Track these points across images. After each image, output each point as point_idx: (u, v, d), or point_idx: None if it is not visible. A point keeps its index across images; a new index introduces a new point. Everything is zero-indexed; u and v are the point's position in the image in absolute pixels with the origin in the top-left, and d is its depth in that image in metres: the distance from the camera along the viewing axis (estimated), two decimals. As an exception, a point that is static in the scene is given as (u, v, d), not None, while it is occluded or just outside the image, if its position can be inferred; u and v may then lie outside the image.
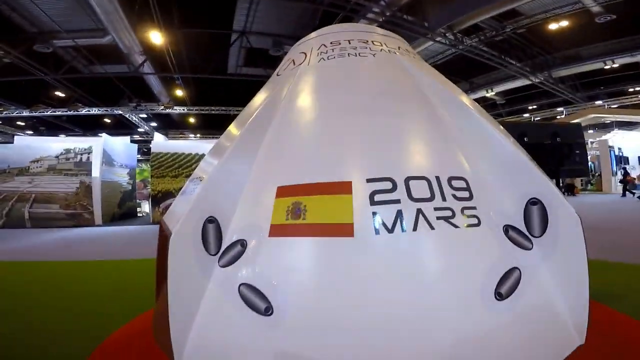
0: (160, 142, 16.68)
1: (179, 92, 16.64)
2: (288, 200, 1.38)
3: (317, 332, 1.25)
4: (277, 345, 1.25)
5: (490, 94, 17.98)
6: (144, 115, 18.70)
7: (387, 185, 1.37)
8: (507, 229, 1.54)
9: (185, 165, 16.67)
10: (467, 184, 1.54)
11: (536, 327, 1.39)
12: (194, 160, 16.94)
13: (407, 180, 1.40)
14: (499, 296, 1.33)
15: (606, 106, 19.63)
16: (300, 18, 11.30)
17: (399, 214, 1.32)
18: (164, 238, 2.02)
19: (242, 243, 1.43)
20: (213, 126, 22.20)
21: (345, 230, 1.27)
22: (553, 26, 11.57)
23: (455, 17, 10.31)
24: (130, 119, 17.90)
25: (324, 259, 1.32)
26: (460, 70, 15.28)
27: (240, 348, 1.33)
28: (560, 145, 6.17)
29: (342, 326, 1.24)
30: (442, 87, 1.95)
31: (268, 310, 1.27)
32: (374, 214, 1.31)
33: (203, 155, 16.82)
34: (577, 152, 6.67)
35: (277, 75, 2.20)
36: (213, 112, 17.81)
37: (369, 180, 1.37)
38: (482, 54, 12.73)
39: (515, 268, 1.43)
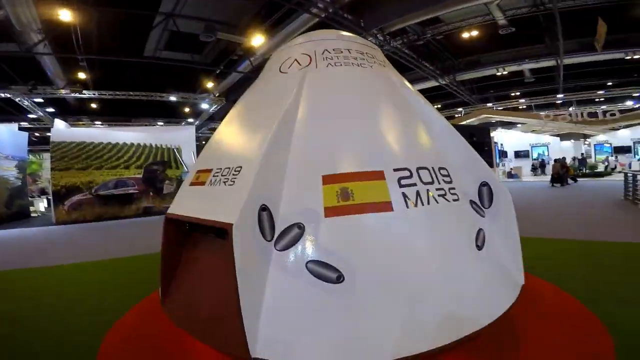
0: (62, 130, 14.52)
1: (82, 75, 14.65)
2: (335, 187, 1.69)
3: (382, 288, 1.60)
4: (355, 304, 1.56)
5: (405, 93, 20.01)
6: (40, 100, 15.95)
7: (407, 173, 1.83)
8: (471, 202, 2.15)
9: (94, 156, 14.83)
10: (448, 172, 2.09)
11: (498, 268, 2.01)
12: (105, 150, 15.22)
13: (418, 169, 1.88)
14: (478, 247, 1.92)
15: (494, 108, 23.64)
16: (239, 5, 11.05)
17: (417, 193, 1.79)
18: (171, 231, 2.14)
19: (300, 226, 1.66)
20: (119, 112, 19.97)
21: (386, 206, 1.69)
22: (465, 35, 13.57)
23: (388, 20, 11.23)
24: (20, 103, 15.09)
25: (376, 229, 1.68)
26: (383, 70, 16.76)
27: (318, 318, 1.55)
28: (477, 143, 7.81)
29: (398, 275, 1.64)
30: (419, 98, 2.50)
31: (340, 278, 1.57)
32: (403, 194, 1.75)
33: (117, 144, 15.27)
34: (487, 148, 8.54)
35: (281, 72, 2.41)
36: (130, 97, 16.19)
37: (395, 170, 1.81)
38: (404, 55, 14.08)
39: (480, 229, 2.03)
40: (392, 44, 13.02)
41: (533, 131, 23.96)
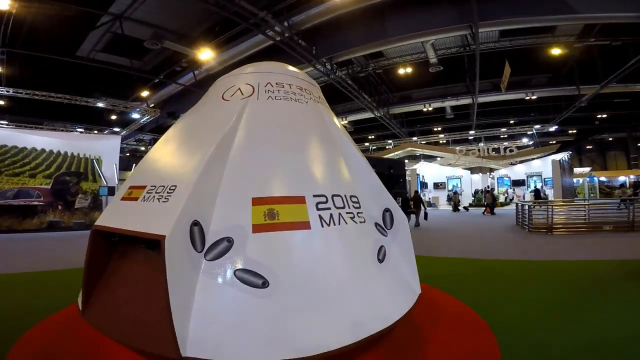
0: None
1: (-5, 69, 12.89)
2: (264, 207, 1.97)
3: (301, 292, 1.88)
4: (277, 306, 1.81)
5: (344, 122, 21.31)
6: None
7: (323, 199, 2.20)
8: (376, 224, 2.59)
9: (-7, 160, 12.96)
10: (358, 199, 2.51)
11: (398, 278, 2.44)
12: (8, 154, 13.40)
13: (333, 196, 2.27)
14: (379, 260, 2.33)
15: (419, 142, 26.22)
16: (195, 17, 10.91)
17: (331, 215, 2.16)
18: (97, 243, 2.21)
19: (229, 239, 1.90)
20: (30, 113, 17.75)
21: (305, 225, 2.02)
22: (401, 71, 15.09)
23: (338, 50, 12.08)
24: None
25: (296, 244, 2.00)
26: (327, 98, 17.73)
27: (245, 318, 1.76)
28: (393, 174, 8.86)
29: (314, 281, 1.95)
30: (342, 134, 2.93)
31: (265, 284, 1.82)
32: (320, 216, 2.10)
33: (24, 149, 13.49)
34: (401, 180, 9.79)
35: (224, 99, 2.66)
36: (49, 98, 14.55)
37: (314, 196, 2.17)
38: (346, 85, 15.16)
39: (382, 245, 2.46)
40: (337, 74, 13.93)
41: (449, 164, 26.94)
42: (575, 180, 24.67)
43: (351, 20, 11.05)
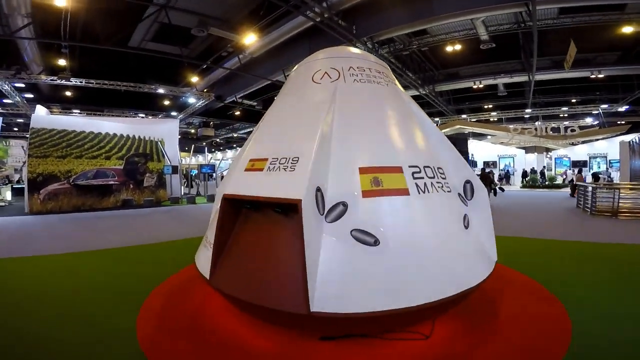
0: (42, 117, 14.23)
1: (62, 62, 14.34)
2: (369, 176, 2.30)
3: (405, 249, 2.19)
4: (387, 261, 2.12)
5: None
6: (22, 85, 15.47)
7: (417, 169, 2.48)
8: (459, 194, 2.85)
9: (75, 144, 14.61)
10: (443, 171, 2.78)
11: (479, 245, 2.70)
12: (87, 139, 15.01)
13: (424, 167, 2.54)
14: (465, 227, 2.61)
15: (468, 119, 25.12)
16: (237, 2, 11.31)
17: (425, 184, 2.45)
18: (227, 210, 2.58)
19: (344, 203, 2.23)
20: (94, 102, 19.65)
21: (405, 192, 2.33)
22: (449, 48, 14.53)
23: (379, 29, 11.89)
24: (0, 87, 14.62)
25: (399, 207, 2.30)
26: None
27: (360, 274, 2.07)
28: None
29: (415, 240, 2.26)
30: (422, 112, 3.18)
31: (376, 242, 2.14)
32: (416, 184, 2.40)
33: (100, 134, 15.08)
34: (464, 157, 9.76)
35: (314, 81, 2.99)
36: (115, 87, 16.06)
37: (409, 166, 2.46)
38: (390, 64, 14.87)
39: (466, 214, 2.73)
40: (379, 52, 13.77)
41: (501, 143, 25.64)
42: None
43: None
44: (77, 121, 15.81)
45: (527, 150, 25.94)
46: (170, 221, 9.82)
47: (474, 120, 25.32)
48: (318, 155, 2.31)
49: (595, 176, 18.34)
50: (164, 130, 17.19)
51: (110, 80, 15.73)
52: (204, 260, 2.80)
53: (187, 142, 35.70)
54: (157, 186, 16.47)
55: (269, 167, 2.45)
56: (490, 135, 26.05)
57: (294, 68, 3.58)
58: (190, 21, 12.01)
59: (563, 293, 3.35)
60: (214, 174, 19.03)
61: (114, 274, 4.39)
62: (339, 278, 2.08)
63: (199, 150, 40.85)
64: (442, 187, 2.58)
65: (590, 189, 10.11)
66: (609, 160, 21.48)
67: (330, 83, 2.92)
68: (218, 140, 42.83)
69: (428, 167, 2.58)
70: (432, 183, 2.50)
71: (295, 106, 2.93)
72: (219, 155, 55.04)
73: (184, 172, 18.32)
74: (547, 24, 11.87)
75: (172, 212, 12.02)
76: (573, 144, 24.00)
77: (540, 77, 16.84)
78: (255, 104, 22.68)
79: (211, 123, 26.57)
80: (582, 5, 10.23)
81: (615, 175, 19.34)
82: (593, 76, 16.30)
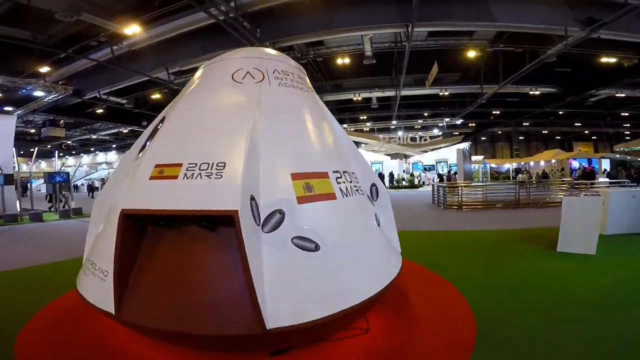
0: None
1: None
2: (302, 181, 2.28)
3: (339, 250, 2.23)
4: (329, 265, 2.13)
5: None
6: None
7: (339, 174, 2.61)
8: (367, 197, 3.14)
9: None
10: (356, 175, 3.02)
11: (389, 240, 3.03)
12: None
13: (343, 172, 2.70)
14: (378, 225, 2.88)
15: (348, 129, 27.70)
16: None
17: (346, 188, 2.59)
18: (129, 226, 2.13)
19: (280, 211, 2.13)
20: None
21: (332, 196, 2.41)
22: (339, 61, 15.65)
23: (283, 36, 11.88)
24: None
25: (329, 211, 2.35)
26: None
27: (306, 281, 2.01)
28: None
29: (346, 240, 2.35)
30: (333, 119, 3.37)
31: (317, 247, 2.12)
32: (340, 188, 2.52)
33: None
34: None
35: (235, 80, 2.82)
36: None
37: (333, 172, 2.56)
38: None
39: (376, 213, 3.02)
40: (279, 59, 13.87)
41: (373, 150, 29.28)
42: (473, 166, 29.15)
43: (300, 7, 11.21)
44: None
45: (392, 156, 30.35)
46: (14, 244, 7.60)
47: (352, 129, 28.18)
48: (248, 161, 2.17)
49: (441, 177, 22.89)
50: (-10, 128, 13.22)
51: None
52: (95, 291, 2.28)
53: (24, 144, 28.36)
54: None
55: (185, 175, 2.15)
56: (364, 143, 29.41)
57: (203, 65, 3.31)
58: (58, 4, 9.65)
59: (448, 276, 4.09)
60: (71, 185, 15.57)
61: None
62: (287, 289, 2.00)
63: (43, 155, 32.96)
64: (358, 190, 2.80)
65: (441, 189, 12.54)
66: (449, 164, 27.03)
67: (254, 84, 2.81)
68: (69, 142, 35.39)
69: (346, 172, 2.76)
70: (350, 187, 2.67)
71: (212, 104, 2.68)
72: (70, 160, 45.64)
73: (61, 180, 14.11)
74: (416, 44, 14.14)
75: (12, 233, 9.32)
76: (425, 152, 29.31)
77: (405, 92, 20.01)
78: (125, 101, 19.72)
79: (61, 122, 21.77)
80: (445, 30, 12.63)
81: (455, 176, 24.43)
82: (441, 93, 20.29)
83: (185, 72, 15.37)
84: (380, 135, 28.03)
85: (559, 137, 39.82)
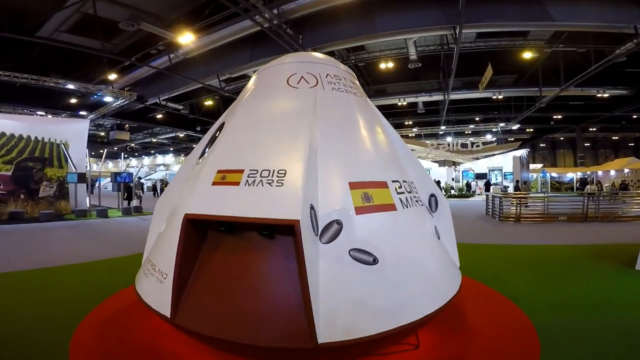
0: None
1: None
2: (360, 191, 2.19)
3: (400, 264, 2.11)
4: (387, 278, 2.02)
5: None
6: None
7: (398, 184, 2.47)
8: (425, 207, 2.95)
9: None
10: (415, 185, 2.85)
11: (449, 254, 2.82)
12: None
13: (403, 181, 2.55)
14: (438, 237, 2.69)
15: (393, 134, 27.11)
16: (178, 1, 10.50)
17: (406, 198, 2.45)
18: (192, 230, 2.15)
19: (338, 222, 2.05)
20: None
21: (392, 207, 2.28)
22: (382, 65, 15.48)
23: (325, 42, 12.12)
24: None
25: (389, 223, 2.23)
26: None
27: (364, 296, 1.92)
28: None
29: (408, 253, 2.22)
30: (389, 125, 3.24)
31: (375, 261, 2.02)
32: (400, 199, 2.38)
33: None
34: None
35: (290, 85, 2.80)
36: (15, 79, 13.32)
37: (392, 181, 2.43)
38: None
39: (435, 225, 2.82)
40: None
41: (419, 157, 28.32)
42: (531, 175, 27.03)
43: (341, 12, 11.24)
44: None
45: (440, 163, 29.11)
46: (81, 238, 8.37)
47: (396, 136, 27.51)
48: (308, 169, 2.11)
49: (487, 185, 21.43)
50: (69, 132, 14.76)
51: (6, 71, 12.96)
52: (153, 293, 2.34)
53: (94, 146, 31.47)
54: (56, 197, 14.05)
55: (247, 181, 2.14)
56: (411, 149, 28.66)
57: (257, 72, 3.35)
58: (121, 14, 10.69)
59: (507, 293, 3.73)
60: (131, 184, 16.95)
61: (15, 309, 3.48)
62: (342, 303, 1.91)
63: (110, 156, 36.31)
64: (417, 201, 2.63)
65: (497, 199, 11.68)
66: (504, 172, 25.27)
67: (309, 89, 2.76)
68: (133, 145, 38.67)
69: (405, 181, 2.61)
70: (410, 197, 2.52)
71: (270, 110, 2.67)
72: (134, 162, 49.75)
73: (125, 180, 15.71)
74: (465, 46, 13.53)
75: (80, 228, 10.29)
76: (477, 158, 27.69)
77: (454, 96, 19.11)
78: (181, 107, 21.09)
79: (127, 126, 23.82)
80: (496, 31, 11.93)
81: (510, 186, 22.81)
82: (495, 97, 19.08)
83: (235, 80, 16.09)
84: (428, 142, 26.98)
85: (632, 144, 35.59)
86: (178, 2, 10.71)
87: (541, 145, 38.22)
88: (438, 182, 24.56)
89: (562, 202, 12.43)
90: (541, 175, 27.57)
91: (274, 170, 2.12)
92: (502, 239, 7.65)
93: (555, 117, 25.66)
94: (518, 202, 10.90)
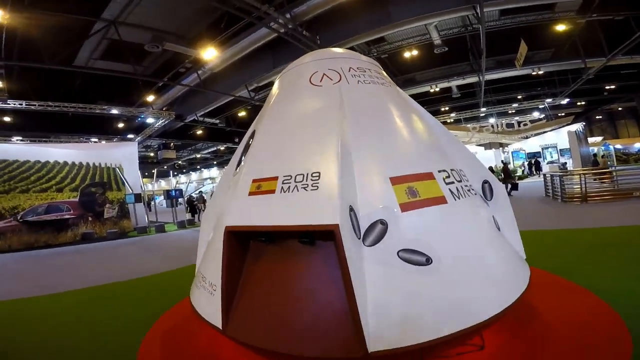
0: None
1: (-3, 84, 12.88)
2: (404, 186, 2.01)
3: (457, 263, 1.91)
4: (443, 279, 1.84)
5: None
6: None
7: (446, 174, 2.25)
8: (480, 196, 2.67)
9: (19, 176, 13.21)
10: (464, 173, 2.59)
11: (512, 246, 2.52)
12: (33, 169, 13.60)
13: (451, 170, 2.32)
14: (498, 229, 2.42)
15: (429, 122, 26.03)
16: (193, 15, 10.81)
17: (457, 189, 2.21)
18: (234, 242, 2.11)
19: (382, 222, 1.89)
20: (39, 127, 17.60)
21: (442, 200, 2.07)
22: (406, 54, 14.95)
23: (342, 39, 11.92)
24: None
25: (440, 218, 2.03)
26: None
27: (418, 300, 1.76)
28: None
29: (461, 253, 2.00)
30: (425, 111, 3.00)
31: (429, 261, 1.84)
32: (450, 190, 2.16)
33: (47, 163, 13.66)
34: None
35: (312, 84, 2.69)
36: (63, 109, 14.62)
37: (439, 171, 2.21)
38: None
39: (492, 215, 2.54)
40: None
41: (462, 142, 26.85)
42: (591, 149, 24.50)
43: (353, 7, 10.99)
44: (19, 149, 14.23)
45: (485, 147, 27.35)
46: (145, 253, 8.95)
47: (435, 123, 26.34)
48: (342, 168, 1.98)
49: (530, 165, 19.49)
50: (121, 155, 15.97)
51: (54, 102, 14.32)
52: (205, 305, 2.35)
53: (146, 166, 33.76)
54: (119, 217, 15.24)
55: (282, 188, 2.05)
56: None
57: (279, 75, 3.28)
58: (143, 37, 11.32)
59: (587, 284, 3.27)
60: (180, 200, 17.94)
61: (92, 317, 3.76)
62: (393, 308, 1.76)
63: (161, 175, 38.82)
64: (470, 190, 2.38)
65: (557, 177, 10.62)
66: (560, 149, 23.13)
67: (333, 85, 2.63)
68: (180, 162, 41.02)
69: (453, 169, 2.37)
70: (461, 187, 2.28)
71: (297, 112, 2.58)
72: (182, 178, 52.80)
73: (176, 196, 16.98)
74: (490, 25, 12.61)
75: (142, 243, 11.03)
76: (526, 137, 25.64)
77: (489, 76, 17.88)
78: (217, 121, 21.92)
79: (171, 144, 25.29)
80: (520, 7, 10.99)
81: (569, 162, 20.83)
82: (534, 73, 17.54)
83: (262, 88, 16.36)
84: (469, 125, 25.47)
85: None
86: (194, 18, 11.03)
87: (597, 117, 34.49)
88: (490, 168, 23.12)
89: (635, 174, 11.00)
90: (603, 147, 24.87)
91: (307, 174, 2.02)
92: (569, 223, 6.90)
93: (607, 87, 23.00)
94: (600, 178, 9.76)
